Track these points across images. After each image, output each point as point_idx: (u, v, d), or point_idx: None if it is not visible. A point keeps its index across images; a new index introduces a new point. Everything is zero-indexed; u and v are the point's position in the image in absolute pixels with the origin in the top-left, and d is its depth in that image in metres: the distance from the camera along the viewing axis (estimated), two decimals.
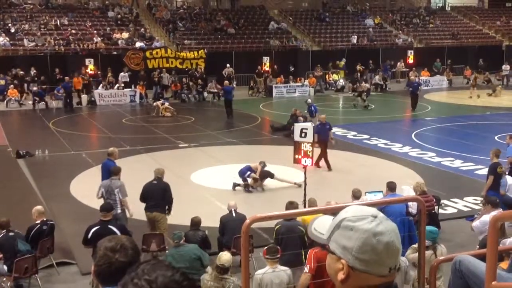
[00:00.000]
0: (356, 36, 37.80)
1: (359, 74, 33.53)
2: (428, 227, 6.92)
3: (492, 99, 29.15)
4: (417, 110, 26.24)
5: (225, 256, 7.26)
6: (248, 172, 13.79)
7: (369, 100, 27.10)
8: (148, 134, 20.97)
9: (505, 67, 35.57)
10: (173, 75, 30.57)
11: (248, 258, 3.34)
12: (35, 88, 26.99)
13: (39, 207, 9.70)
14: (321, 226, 1.80)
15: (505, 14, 44.74)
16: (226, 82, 26.58)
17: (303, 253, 8.03)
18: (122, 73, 29.51)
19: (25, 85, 28.33)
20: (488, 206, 8.76)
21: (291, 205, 8.63)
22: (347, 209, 1.75)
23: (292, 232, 8.25)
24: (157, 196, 10.31)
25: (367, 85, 28.59)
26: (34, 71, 28.79)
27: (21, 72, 28.68)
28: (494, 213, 8.46)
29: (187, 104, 28.25)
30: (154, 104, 25.89)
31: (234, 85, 29.70)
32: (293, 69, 32.83)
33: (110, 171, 10.65)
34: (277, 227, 8.50)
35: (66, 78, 27.11)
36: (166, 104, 25.61)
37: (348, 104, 28.99)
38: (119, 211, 10.11)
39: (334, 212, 1.93)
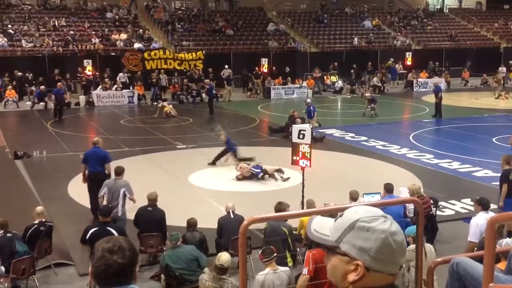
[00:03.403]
0: (356, 38, 37.81)
1: (360, 74, 33.61)
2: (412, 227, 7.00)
3: (493, 101, 29.21)
4: (415, 112, 26.31)
5: (224, 256, 7.26)
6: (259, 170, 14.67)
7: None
8: (146, 135, 20.95)
9: (501, 69, 35.69)
10: (176, 77, 30.56)
11: (245, 259, 3.34)
12: (33, 89, 26.99)
13: (38, 208, 9.69)
14: (321, 227, 1.78)
15: (503, 16, 44.83)
16: (207, 80, 27.37)
17: (287, 254, 8.04)
18: (121, 74, 29.49)
19: (28, 88, 28.26)
20: (479, 207, 8.77)
21: (279, 205, 8.64)
22: (355, 209, 1.75)
23: (275, 233, 8.28)
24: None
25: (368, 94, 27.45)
26: (31, 74, 28.71)
27: (19, 74, 28.64)
28: (482, 214, 8.51)
29: (185, 105, 28.25)
30: (160, 105, 25.85)
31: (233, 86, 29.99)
32: (288, 69, 32.77)
33: (115, 171, 10.62)
34: (264, 227, 8.58)
35: (59, 84, 25.36)
36: (165, 103, 25.77)
37: (346, 105, 29.03)
38: (120, 213, 10.08)
39: (335, 213, 1.93)
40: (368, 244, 1.66)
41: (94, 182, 11.48)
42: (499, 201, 10.55)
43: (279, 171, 14.75)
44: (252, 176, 14.67)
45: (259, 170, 14.67)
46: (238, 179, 14.67)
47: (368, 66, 34.84)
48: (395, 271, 1.70)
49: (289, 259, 8.12)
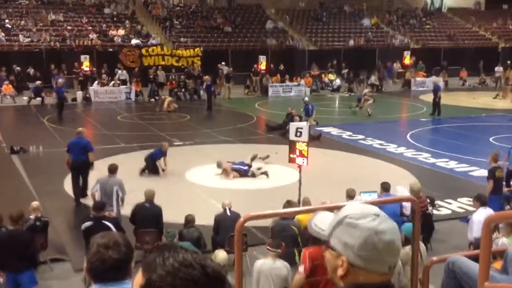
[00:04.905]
0: (353, 41, 37.74)
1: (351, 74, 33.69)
2: (409, 224, 7.01)
3: (490, 101, 29.26)
4: (413, 111, 26.35)
5: (221, 255, 7.24)
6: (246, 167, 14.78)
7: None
8: (143, 131, 20.91)
9: (498, 68, 35.79)
10: (173, 73, 30.56)
11: (241, 257, 3.33)
12: (32, 85, 26.93)
13: (34, 203, 9.67)
14: (321, 222, 1.82)
15: (501, 16, 44.85)
16: (207, 77, 27.22)
17: (296, 252, 8.04)
18: (120, 71, 29.41)
19: (28, 83, 28.09)
20: (477, 203, 8.85)
21: (288, 204, 8.63)
22: (350, 206, 1.77)
23: (285, 231, 8.29)
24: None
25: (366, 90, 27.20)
26: (32, 70, 28.57)
27: (18, 68, 28.54)
28: (481, 210, 8.57)
29: (183, 102, 28.21)
30: (163, 97, 26.31)
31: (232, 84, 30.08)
32: (283, 67, 32.71)
33: (108, 169, 10.62)
34: (272, 225, 8.57)
35: (59, 81, 24.55)
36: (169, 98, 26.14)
37: (343, 104, 29.03)
38: (115, 210, 10.06)
39: (331, 210, 1.94)
40: (352, 240, 1.67)
41: (76, 170, 12.49)
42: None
43: (260, 168, 14.86)
44: (242, 175, 14.70)
45: (246, 168, 14.72)
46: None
47: (378, 65, 34.80)
48: (382, 270, 1.68)
49: (297, 257, 8.13)
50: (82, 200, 12.46)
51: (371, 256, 1.66)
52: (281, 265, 7.07)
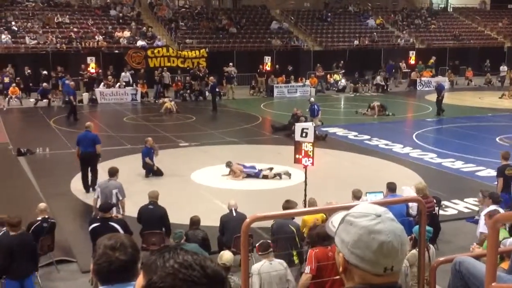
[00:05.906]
0: (357, 41, 37.65)
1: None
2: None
3: (496, 100, 29.15)
4: (419, 111, 26.27)
5: (226, 255, 7.25)
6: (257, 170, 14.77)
7: (370, 100, 26.88)
8: (149, 133, 20.89)
9: (502, 68, 35.72)
10: (179, 75, 30.60)
11: (247, 258, 3.34)
12: (45, 84, 27.02)
13: (41, 204, 9.71)
14: (336, 221, 1.85)
15: (507, 16, 44.71)
16: (212, 78, 27.33)
17: (294, 252, 8.07)
18: (123, 73, 29.46)
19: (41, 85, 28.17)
20: (489, 200, 8.80)
21: (287, 203, 8.65)
22: (357, 206, 1.81)
23: (282, 230, 8.31)
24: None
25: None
26: (46, 72, 28.63)
27: (29, 71, 28.63)
28: (493, 207, 8.53)
29: (188, 103, 28.26)
30: (161, 100, 26.53)
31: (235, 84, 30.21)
32: (291, 68, 32.70)
33: (108, 172, 10.64)
34: (271, 224, 8.66)
35: (72, 84, 24.73)
36: (166, 99, 26.29)
37: (349, 104, 29.00)
38: (114, 212, 10.07)
39: (333, 212, 1.95)
40: (347, 237, 1.70)
41: (85, 161, 13.38)
42: None
43: (278, 175, 14.74)
44: (252, 177, 14.70)
45: (257, 171, 14.68)
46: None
47: (397, 64, 34.80)
48: (376, 271, 1.67)
49: (295, 257, 8.13)
50: (89, 201, 12.50)
51: (365, 255, 1.66)
52: (278, 264, 7.14)
